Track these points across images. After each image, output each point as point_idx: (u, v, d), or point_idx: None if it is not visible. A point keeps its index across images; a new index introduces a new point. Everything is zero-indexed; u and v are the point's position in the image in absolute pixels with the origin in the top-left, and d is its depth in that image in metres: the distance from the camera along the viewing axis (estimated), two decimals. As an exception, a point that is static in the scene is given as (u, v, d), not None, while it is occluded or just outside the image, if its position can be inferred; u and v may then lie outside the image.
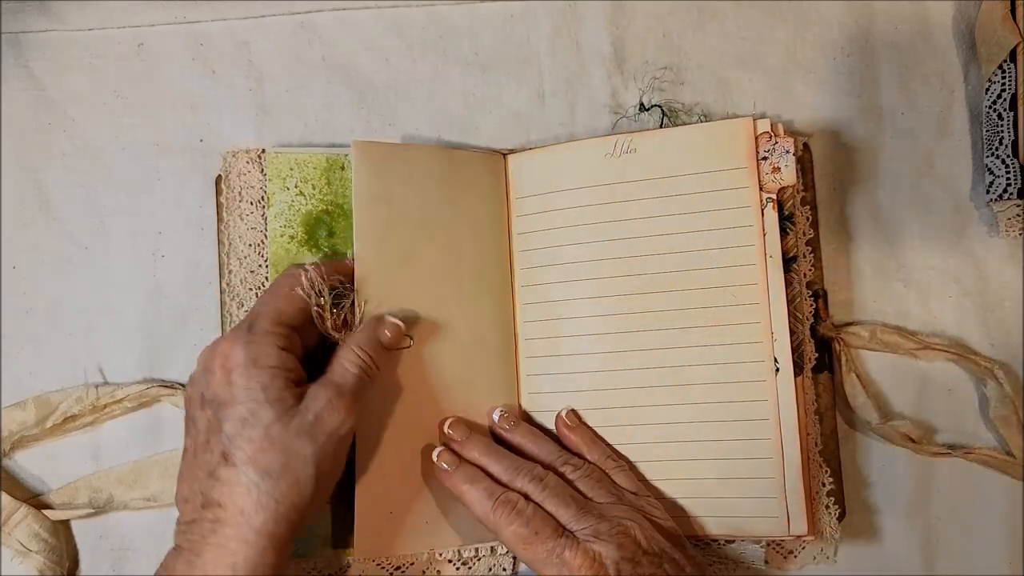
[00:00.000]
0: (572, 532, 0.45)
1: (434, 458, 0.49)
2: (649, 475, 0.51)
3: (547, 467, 0.49)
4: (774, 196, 0.50)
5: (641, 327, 0.51)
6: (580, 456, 0.50)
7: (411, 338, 0.51)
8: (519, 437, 0.51)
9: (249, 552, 0.41)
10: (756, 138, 0.51)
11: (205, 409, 0.43)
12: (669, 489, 0.50)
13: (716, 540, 0.51)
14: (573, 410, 0.51)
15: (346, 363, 0.45)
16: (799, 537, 0.49)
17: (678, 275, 0.51)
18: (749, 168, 0.51)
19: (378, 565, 0.50)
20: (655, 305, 0.51)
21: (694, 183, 0.51)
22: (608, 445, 0.51)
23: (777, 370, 0.49)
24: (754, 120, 0.51)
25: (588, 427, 0.51)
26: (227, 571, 0.40)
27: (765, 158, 0.51)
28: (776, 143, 0.51)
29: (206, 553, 0.41)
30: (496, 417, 0.51)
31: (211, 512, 0.41)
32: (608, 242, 0.52)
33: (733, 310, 0.50)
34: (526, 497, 0.47)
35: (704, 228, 0.51)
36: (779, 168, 0.50)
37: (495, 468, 0.48)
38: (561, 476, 0.48)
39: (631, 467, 0.50)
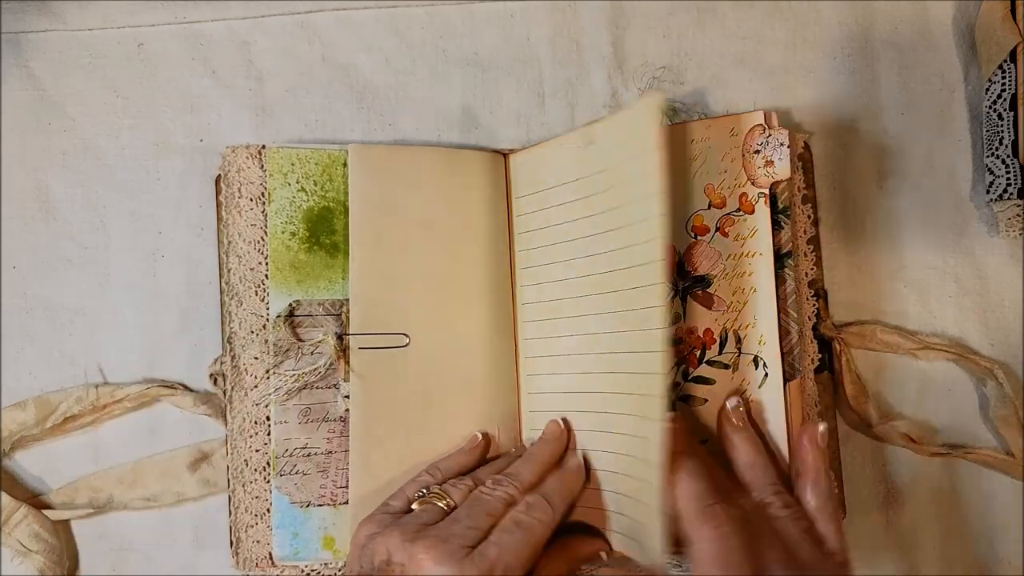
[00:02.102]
0: None
1: (729, 406, 0.47)
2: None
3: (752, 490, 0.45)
4: (766, 191, 0.48)
5: (626, 327, 0.47)
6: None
7: (407, 336, 0.51)
8: (739, 440, 0.46)
9: None
10: (748, 131, 0.49)
11: None
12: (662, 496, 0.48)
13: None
14: (825, 425, 0.46)
15: None
16: None
17: (631, 271, 0.46)
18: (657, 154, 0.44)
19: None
20: (637, 303, 0.47)
21: (628, 174, 0.46)
22: (831, 482, 0.45)
23: (766, 375, 0.47)
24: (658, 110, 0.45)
25: (825, 451, 0.45)
26: None
27: (758, 151, 0.49)
28: (770, 136, 0.49)
29: None
30: (731, 405, 0.47)
31: None
32: (587, 238, 0.49)
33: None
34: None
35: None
36: (772, 162, 0.49)
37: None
38: (762, 506, 0.44)
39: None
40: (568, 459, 0.49)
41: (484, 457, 0.51)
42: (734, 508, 0.42)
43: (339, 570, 0.51)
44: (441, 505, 0.46)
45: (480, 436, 0.51)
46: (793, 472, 0.46)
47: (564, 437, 0.50)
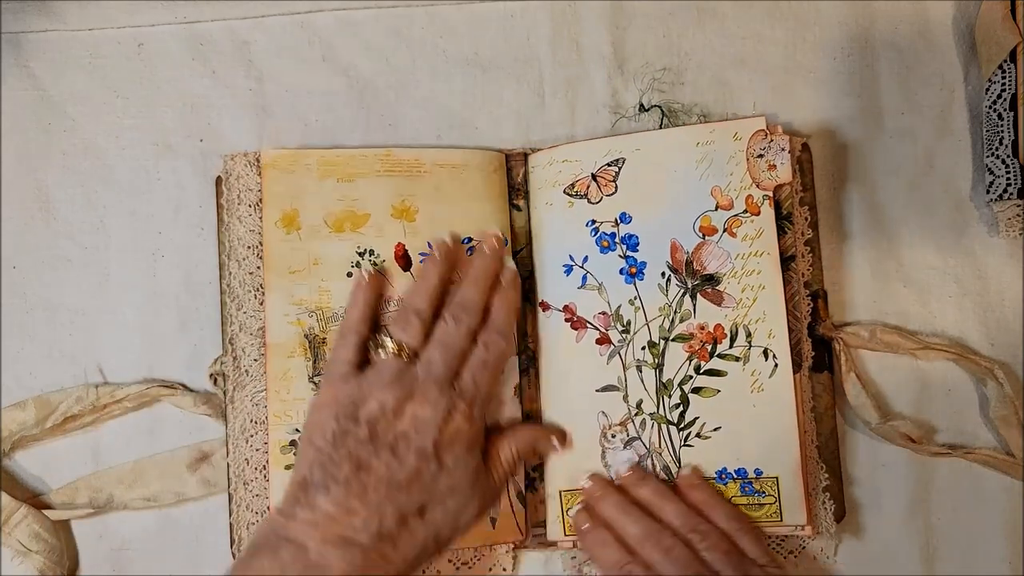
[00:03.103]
0: None
1: (569, 516, 0.51)
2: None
3: (674, 532, 0.48)
4: (770, 194, 0.50)
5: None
6: (706, 519, 0.49)
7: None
8: (647, 494, 0.50)
9: None
10: (751, 136, 0.51)
11: None
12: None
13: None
14: (695, 467, 0.50)
15: None
16: (797, 527, 0.50)
17: None
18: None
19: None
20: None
21: None
22: (730, 503, 0.50)
23: (776, 366, 0.50)
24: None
25: (708, 485, 0.50)
26: None
27: (761, 155, 0.51)
28: (771, 141, 0.51)
29: None
30: (624, 470, 0.51)
31: None
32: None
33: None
34: (649, 567, 0.47)
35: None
36: (775, 166, 0.51)
37: (628, 530, 0.48)
38: (688, 544, 0.47)
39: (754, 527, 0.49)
40: (505, 274, 0.51)
41: (378, 293, 0.51)
42: (652, 557, 0.47)
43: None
44: (395, 351, 0.48)
45: (366, 274, 0.51)
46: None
47: (500, 247, 0.52)
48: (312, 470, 0.45)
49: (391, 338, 0.48)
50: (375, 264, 0.51)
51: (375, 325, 0.50)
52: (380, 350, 0.48)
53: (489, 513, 0.50)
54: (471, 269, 0.51)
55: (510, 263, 0.52)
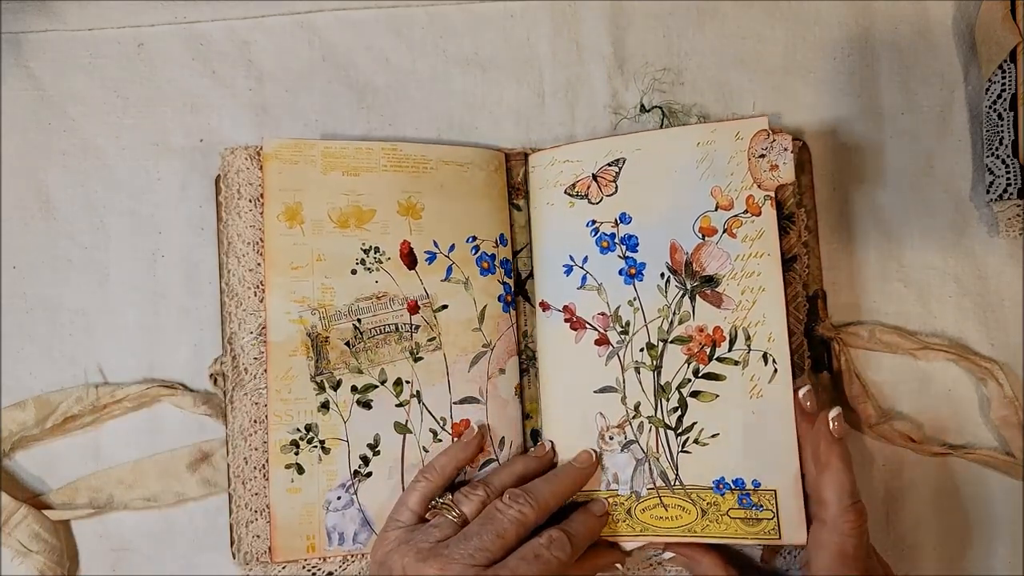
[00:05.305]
0: None
1: (830, 416, 0.46)
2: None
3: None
4: (772, 194, 0.50)
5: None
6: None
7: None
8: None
9: None
10: (753, 136, 0.50)
11: None
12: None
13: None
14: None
15: None
16: (797, 547, 0.49)
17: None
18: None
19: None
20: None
21: None
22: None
23: (775, 371, 0.49)
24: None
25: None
26: None
27: (763, 155, 0.50)
28: (774, 141, 0.50)
29: None
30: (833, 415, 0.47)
31: None
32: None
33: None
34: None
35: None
36: (777, 166, 0.50)
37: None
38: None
39: None
40: (594, 504, 0.50)
41: (479, 450, 0.51)
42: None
43: (338, 567, 0.51)
44: (452, 517, 0.46)
45: (476, 428, 0.51)
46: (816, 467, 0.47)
47: (592, 469, 0.50)
48: None
49: (456, 507, 0.47)
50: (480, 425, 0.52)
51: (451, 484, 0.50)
52: (444, 510, 0.47)
53: None
54: (555, 469, 0.50)
55: (603, 503, 0.50)
